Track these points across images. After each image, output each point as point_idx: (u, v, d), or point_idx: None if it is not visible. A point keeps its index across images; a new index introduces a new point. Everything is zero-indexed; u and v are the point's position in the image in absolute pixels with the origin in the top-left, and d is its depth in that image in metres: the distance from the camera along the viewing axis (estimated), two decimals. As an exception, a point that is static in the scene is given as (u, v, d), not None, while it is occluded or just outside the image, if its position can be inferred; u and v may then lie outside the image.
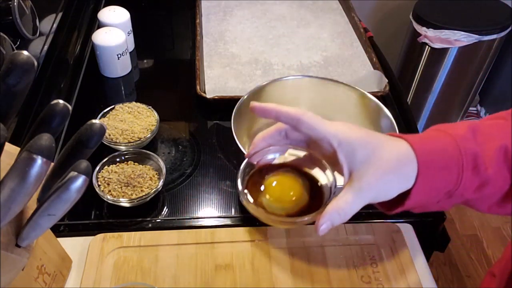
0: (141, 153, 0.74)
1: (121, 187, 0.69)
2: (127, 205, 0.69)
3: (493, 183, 0.45)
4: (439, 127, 0.48)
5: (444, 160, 0.44)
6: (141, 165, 0.73)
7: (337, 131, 0.45)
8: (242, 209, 0.72)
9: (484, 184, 0.45)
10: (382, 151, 0.44)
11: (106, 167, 0.72)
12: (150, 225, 0.69)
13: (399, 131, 0.66)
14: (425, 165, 0.44)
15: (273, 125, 0.50)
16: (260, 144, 0.50)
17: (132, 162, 0.73)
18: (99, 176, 0.70)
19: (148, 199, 0.69)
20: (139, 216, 0.70)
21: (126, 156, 0.74)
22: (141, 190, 0.69)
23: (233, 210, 0.72)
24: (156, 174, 0.72)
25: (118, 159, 0.73)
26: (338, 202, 0.44)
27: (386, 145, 0.45)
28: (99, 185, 0.69)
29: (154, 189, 0.69)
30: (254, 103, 0.49)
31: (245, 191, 0.49)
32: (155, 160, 0.72)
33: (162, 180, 0.70)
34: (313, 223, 0.46)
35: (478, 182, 0.45)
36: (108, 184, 0.69)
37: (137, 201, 0.68)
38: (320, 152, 0.49)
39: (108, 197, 0.68)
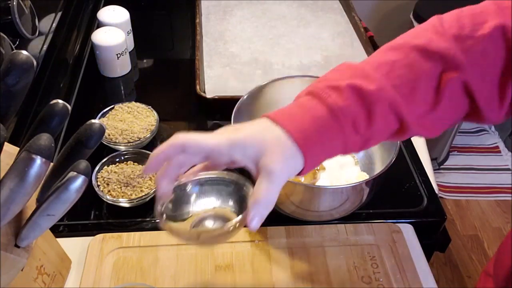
0: (140, 153, 0.73)
1: (120, 187, 0.69)
2: (126, 205, 0.69)
3: (377, 134, 0.49)
4: (316, 89, 0.49)
5: (324, 136, 0.47)
6: (140, 165, 0.73)
7: (220, 140, 0.47)
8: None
9: (369, 139, 0.49)
10: (266, 139, 0.47)
11: (105, 167, 0.72)
12: (149, 226, 0.69)
13: (400, 131, 0.66)
14: (306, 148, 0.47)
15: (165, 144, 0.48)
16: (153, 164, 0.48)
17: (132, 162, 0.73)
18: (98, 176, 0.70)
19: (148, 199, 0.69)
20: (138, 217, 0.70)
21: (126, 156, 0.73)
22: (141, 190, 0.69)
23: (233, 210, 0.71)
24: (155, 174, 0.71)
25: (117, 159, 0.73)
26: (256, 194, 0.46)
27: (266, 133, 0.47)
28: (98, 185, 0.69)
29: (154, 189, 0.69)
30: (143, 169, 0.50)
31: (164, 216, 0.49)
32: None
33: None
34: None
35: (363, 139, 0.49)
36: (108, 184, 0.69)
37: (136, 201, 0.68)
38: (224, 162, 0.49)
39: (108, 197, 0.68)
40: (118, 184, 0.69)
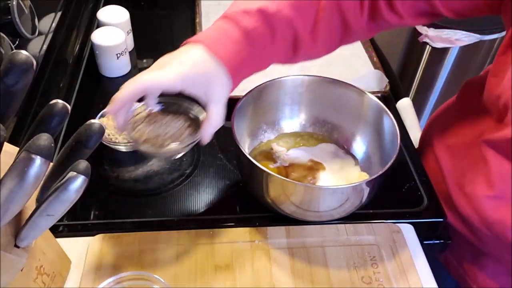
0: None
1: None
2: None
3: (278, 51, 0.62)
4: (231, 13, 0.60)
5: (245, 62, 0.60)
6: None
7: (174, 77, 0.55)
8: (242, 209, 0.72)
9: (273, 56, 0.63)
10: (208, 71, 0.57)
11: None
12: (149, 226, 0.69)
13: (400, 131, 0.66)
14: (236, 75, 0.60)
15: (127, 89, 0.56)
16: (116, 107, 0.57)
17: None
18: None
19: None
20: (138, 217, 0.70)
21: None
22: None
23: (233, 210, 0.71)
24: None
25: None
26: (211, 119, 0.58)
27: (206, 65, 0.57)
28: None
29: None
30: (106, 110, 0.58)
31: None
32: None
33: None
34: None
35: (269, 56, 0.63)
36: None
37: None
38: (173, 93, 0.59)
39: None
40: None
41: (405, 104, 0.93)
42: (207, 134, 0.59)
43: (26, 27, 0.77)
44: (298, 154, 0.73)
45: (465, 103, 0.75)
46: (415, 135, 0.89)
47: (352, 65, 0.97)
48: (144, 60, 1.04)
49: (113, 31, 0.92)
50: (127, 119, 0.60)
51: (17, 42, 0.75)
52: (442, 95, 1.92)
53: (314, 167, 0.71)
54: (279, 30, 0.59)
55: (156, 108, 0.63)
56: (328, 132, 0.79)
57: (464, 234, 0.71)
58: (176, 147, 0.61)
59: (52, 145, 0.38)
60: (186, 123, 0.62)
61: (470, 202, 0.67)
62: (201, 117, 0.64)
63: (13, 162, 0.38)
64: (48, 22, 0.90)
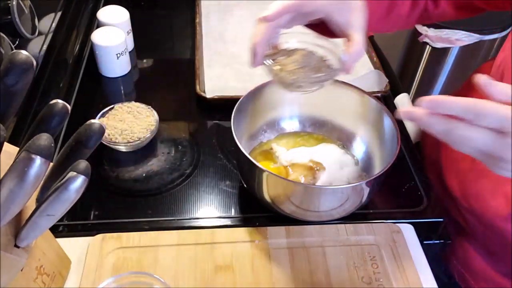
0: None
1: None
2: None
3: None
4: None
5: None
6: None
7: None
8: (242, 209, 0.72)
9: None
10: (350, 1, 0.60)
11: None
12: (149, 226, 0.69)
13: (400, 131, 0.66)
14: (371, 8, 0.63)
15: (262, 27, 0.58)
16: (260, 51, 0.58)
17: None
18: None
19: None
20: (138, 217, 0.70)
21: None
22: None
23: (233, 210, 0.71)
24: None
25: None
26: (355, 45, 0.59)
27: None
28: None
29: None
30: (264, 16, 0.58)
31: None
32: None
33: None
34: None
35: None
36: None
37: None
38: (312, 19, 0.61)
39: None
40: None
41: (403, 100, 0.94)
42: (352, 61, 0.59)
43: (26, 27, 0.77)
44: (298, 154, 0.73)
45: (469, 93, 0.76)
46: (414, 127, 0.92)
47: (352, 65, 0.97)
48: (144, 60, 1.04)
49: (113, 31, 0.92)
50: (264, 51, 0.59)
51: (17, 42, 0.75)
52: (443, 95, 1.92)
53: (314, 167, 0.71)
54: None
55: (289, 44, 0.62)
56: (328, 132, 0.79)
57: (450, 212, 0.77)
58: (323, 77, 0.60)
59: (52, 145, 0.38)
60: (322, 57, 0.61)
61: (457, 177, 0.73)
62: (335, 52, 0.63)
63: (13, 162, 0.38)
64: (48, 22, 0.90)
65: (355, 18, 0.60)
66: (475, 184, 0.70)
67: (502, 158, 0.42)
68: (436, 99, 0.42)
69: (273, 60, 0.59)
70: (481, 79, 0.42)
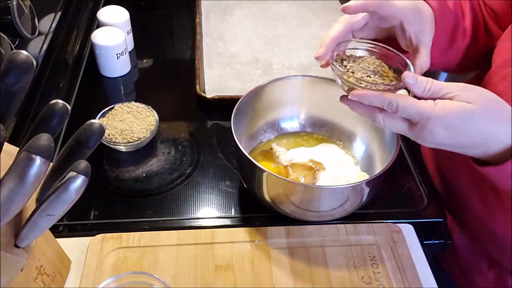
0: None
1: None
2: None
3: None
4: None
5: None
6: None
7: (406, 4, 0.59)
8: (242, 209, 0.72)
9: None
10: (426, 14, 0.62)
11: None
12: (149, 226, 0.69)
13: (400, 131, 0.66)
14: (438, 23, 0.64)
15: (339, 25, 0.61)
16: (330, 45, 0.60)
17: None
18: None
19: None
20: (138, 217, 0.70)
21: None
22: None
23: (233, 210, 0.71)
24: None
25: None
26: (422, 59, 0.60)
27: (424, 7, 0.62)
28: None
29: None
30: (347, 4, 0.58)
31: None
32: None
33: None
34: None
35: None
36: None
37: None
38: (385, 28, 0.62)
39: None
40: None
41: None
42: (418, 73, 0.59)
43: (26, 27, 0.77)
44: (298, 154, 0.73)
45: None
46: None
47: (352, 65, 0.97)
48: (144, 60, 1.04)
49: (113, 31, 0.92)
50: (333, 47, 0.60)
51: (17, 42, 0.75)
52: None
53: (314, 167, 0.71)
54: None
55: (358, 51, 0.63)
56: (328, 132, 0.79)
57: (442, 197, 0.78)
58: (390, 86, 0.57)
59: (52, 145, 0.38)
60: (390, 66, 0.61)
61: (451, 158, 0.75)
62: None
63: (13, 162, 0.38)
64: (48, 22, 0.90)
65: (425, 32, 0.61)
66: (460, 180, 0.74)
67: (418, 140, 0.53)
68: (360, 93, 0.53)
69: (342, 65, 0.60)
70: (408, 78, 0.52)
